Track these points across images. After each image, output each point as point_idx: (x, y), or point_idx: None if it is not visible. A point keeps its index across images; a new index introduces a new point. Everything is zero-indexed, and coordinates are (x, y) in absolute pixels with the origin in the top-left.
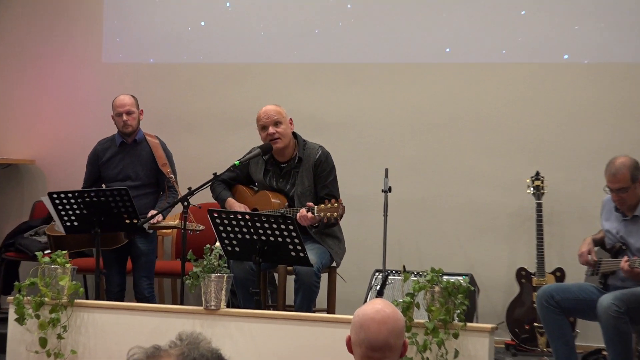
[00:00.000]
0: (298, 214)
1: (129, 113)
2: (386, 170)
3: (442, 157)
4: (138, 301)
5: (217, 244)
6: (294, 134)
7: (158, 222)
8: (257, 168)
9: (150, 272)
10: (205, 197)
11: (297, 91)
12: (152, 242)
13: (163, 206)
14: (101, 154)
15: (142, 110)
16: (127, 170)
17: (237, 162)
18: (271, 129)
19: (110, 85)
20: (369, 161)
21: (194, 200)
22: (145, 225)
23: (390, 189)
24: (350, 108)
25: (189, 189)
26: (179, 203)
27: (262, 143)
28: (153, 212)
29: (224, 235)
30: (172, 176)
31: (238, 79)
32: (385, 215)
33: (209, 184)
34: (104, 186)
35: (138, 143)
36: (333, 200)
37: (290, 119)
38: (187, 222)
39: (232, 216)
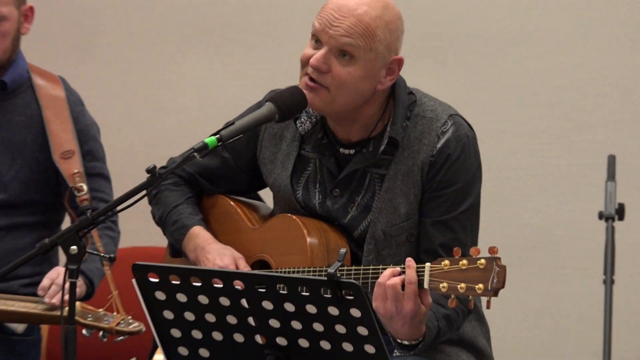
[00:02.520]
0: (378, 286)
1: None
2: (611, 160)
3: None
4: None
5: (159, 356)
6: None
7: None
8: (277, 149)
9: None
10: (132, 234)
11: None
12: (22, 356)
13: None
14: None
15: (30, 7)
16: None
17: (211, 139)
18: (318, 60)
19: None
20: (559, 140)
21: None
22: None
23: (622, 211)
24: (506, 17)
25: (85, 212)
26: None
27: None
28: (58, 270)
29: (175, 333)
30: (83, 185)
31: None
32: (609, 279)
33: (143, 193)
34: None
35: (10, 93)
36: (475, 250)
37: (397, 60)
38: (102, 313)
39: (203, 283)
